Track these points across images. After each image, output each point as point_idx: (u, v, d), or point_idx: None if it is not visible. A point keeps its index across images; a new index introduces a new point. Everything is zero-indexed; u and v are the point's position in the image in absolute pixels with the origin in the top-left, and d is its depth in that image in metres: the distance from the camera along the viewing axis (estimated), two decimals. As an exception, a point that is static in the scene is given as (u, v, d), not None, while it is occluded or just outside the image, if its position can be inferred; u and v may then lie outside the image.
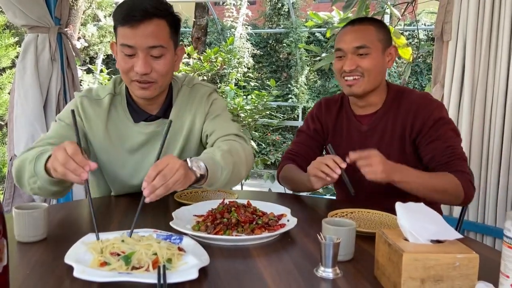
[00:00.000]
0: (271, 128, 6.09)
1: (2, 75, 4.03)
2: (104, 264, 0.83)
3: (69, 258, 0.85)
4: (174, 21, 1.35)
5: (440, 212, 1.63)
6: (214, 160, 1.23)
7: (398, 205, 0.88)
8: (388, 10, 3.16)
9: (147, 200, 1.01)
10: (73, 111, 1.13)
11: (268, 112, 4.77)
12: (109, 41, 5.59)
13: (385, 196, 1.34)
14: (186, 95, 1.50)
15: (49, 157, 1.13)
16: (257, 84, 7.03)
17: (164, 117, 1.46)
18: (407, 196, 1.24)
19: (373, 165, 1.25)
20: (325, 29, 4.98)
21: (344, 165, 1.28)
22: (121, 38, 1.29)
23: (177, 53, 1.41)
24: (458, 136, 1.50)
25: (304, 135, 1.72)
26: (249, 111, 4.58)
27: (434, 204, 1.53)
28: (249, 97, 4.93)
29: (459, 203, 1.42)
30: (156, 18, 1.28)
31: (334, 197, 1.99)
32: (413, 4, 3.08)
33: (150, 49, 1.29)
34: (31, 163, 1.18)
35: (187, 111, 1.48)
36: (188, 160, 1.15)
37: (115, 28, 1.32)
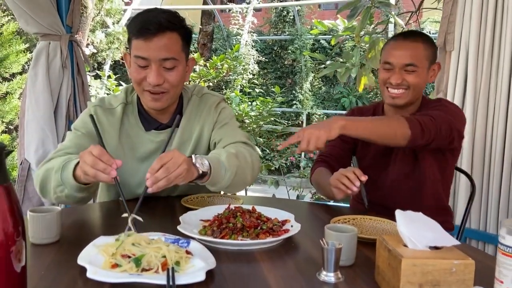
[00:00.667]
0: (275, 134, 6.12)
1: (12, 80, 4.10)
2: (115, 265, 0.87)
3: (82, 259, 0.89)
4: (186, 34, 1.39)
5: (451, 225, 1.67)
6: (218, 160, 1.27)
7: (398, 213, 0.91)
8: (392, 19, 3.20)
9: (149, 190, 1.08)
10: (91, 116, 1.19)
11: (272, 119, 4.80)
12: (117, 47, 5.66)
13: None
14: (195, 105, 1.54)
15: (77, 164, 1.19)
16: (262, 91, 7.07)
17: (175, 125, 1.49)
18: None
19: (307, 134, 1.29)
20: (330, 36, 5.02)
21: (364, 178, 1.31)
22: (135, 50, 1.34)
23: (188, 64, 1.45)
24: (440, 114, 1.48)
25: (337, 139, 1.73)
26: (254, 117, 4.62)
27: (444, 219, 1.57)
28: (254, 103, 4.97)
29: (407, 140, 1.38)
30: (169, 31, 1.32)
31: (337, 204, 2.03)
32: (418, 13, 3.12)
33: (163, 61, 1.33)
34: (57, 173, 1.23)
35: (196, 120, 1.53)
36: (193, 156, 1.20)
37: (129, 39, 1.37)
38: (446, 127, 1.43)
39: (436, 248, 0.86)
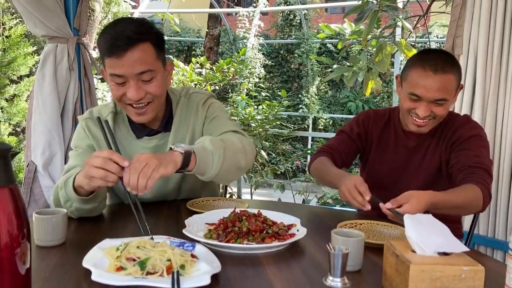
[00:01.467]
0: (281, 138, 6.10)
1: (20, 83, 4.13)
2: (120, 268, 0.87)
3: (87, 262, 0.88)
4: (158, 40, 1.33)
5: (460, 233, 1.66)
6: (202, 145, 1.23)
7: (407, 218, 0.90)
8: (399, 23, 3.19)
9: (135, 192, 1.07)
10: (98, 118, 1.19)
11: (278, 122, 4.79)
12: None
13: None
14: (184, 106, 1.52)
15: (75, 179, 1.20)
16: (268, 94, 7.07)
17: (165, 130, 1.48)
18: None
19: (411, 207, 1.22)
20: (337, 40, 5.02)
21: (368, 208, 1.27)
22: (109, 68, 1.29)
23: (167, 69, 1.41)
24: (488, 155, 1.51)
25: (345, 136, 1.71)
26: (259, 121, 4.61)
27: (454, 226, 1.56)
28: (260, 107, 4.96)
29: (475, 212, 1.48)
30: (140, 43, 1.26)
31: (343, 208, 2.02)
32: (425, 17, 3.10)
33: (140, 75, 1.28)
34: (61, 189, 1.23)
35: (187, 121, 1.51)
36: (171, 146, 1.18)
37: (102, 57, 1.31)
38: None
39: (445, 254, 0.84)
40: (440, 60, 1.44)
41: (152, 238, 1.01)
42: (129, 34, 1.24)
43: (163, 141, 1.48)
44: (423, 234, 0.85)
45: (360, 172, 1.81)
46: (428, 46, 7.56)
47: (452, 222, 1.58)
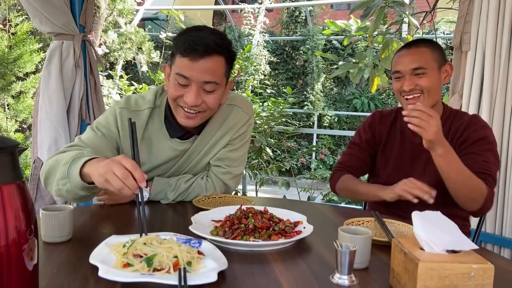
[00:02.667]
0: (286, 135, 6.09)
1: (26, 80, 4.14)
2: (127, 265, 0.86)
3: (94, 258, 0.88)
4: (231, 58, 1.38)
5: (468, 230, 1.66)
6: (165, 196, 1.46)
7: (415, 215, 0.89)
8: (406, 19, 3.16)
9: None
10: (130, 119, 1.15)
11: (284, 119, 4.78)
12: (129, 48, 5.69)
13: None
14: (223, 113, 1.52)
15: (86, 162, 1.16)
16: (273, 91, 7.06)
17: (198, 133, 1.49)
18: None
19: (430, 125, 1.30)
20: (342, 37, 4.99)
21: (431, 201, 1.31)
22: (178, 68, 1.31)
23: (227, 87, 1.44)
24: (496, 161, 1.52)
25: (356, 148, 1.76)
26: (265, 118, 4.60)
27: (462, 223, 1.56)
28: (265, 104, 4.95)
29: (476, 209, 1.45)
30: (216, 54, 1.30)
31: (349, 206, 2.02)
32: (432, 13, 3.07)
33: (204, 84, 1.32)
34: (65, 165, 1.20)
35: (220, 128, 1.51)
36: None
37: (173, 54, 1.34)
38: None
39: (453, 252, 0.84)
40: (413, 41, 1.63)
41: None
42: (209, 42, 1.28)
43: (192, 146, 1.49)
44: (431, 232, 0.84)
45: (368, 173, 1.81)
46: (435, 42, 7.52)
47: (460, 219, 1.58)
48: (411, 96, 1.56)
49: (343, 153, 1.80)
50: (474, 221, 2.15)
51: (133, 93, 5.05)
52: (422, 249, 0.84)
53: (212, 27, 1.41)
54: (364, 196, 1.62)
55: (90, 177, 1.15)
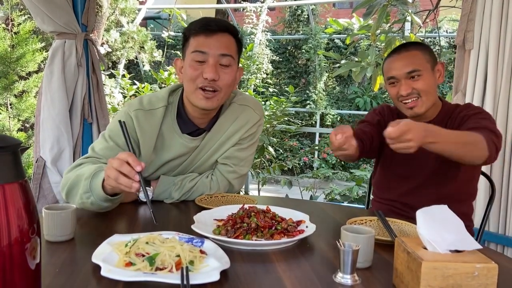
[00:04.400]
0: (288, 134, 6.10)
1: (29, 79, 4.15)
2: (129, 264, 0.86)
3: (96, 257, 0.88)
4: (239, 44, 1.45)
5: (471, 231, 1.64)
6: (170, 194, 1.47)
7: (419, 213, 0.89)
8: (409, 18, 3.15)
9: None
10: (120, 121, 1.19)
11: (286, 118, 4.78)
12: (131, 47, 5.69)
13: None
14: (234, 112, 1.53)
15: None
16: (276, 90, 7.06)
17: (209, 130, 1.50)
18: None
19: (408, 142, 1.19)
20: (345, 35, 4.98)
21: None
22: (194, 46, 1.37)
23: (238, 72, 1.47)
24: (494, 125, 1.47)
25: (366, 124, 1.72)
26: (267, 117, 4.60)
27: (466, 222, 1.55)
28: (267, 103, 4.95)
29: (483, 160, 1.38)
30: (228, 32, 1.40)
31: (352, 205, 2.01)
32: (435, 11, 3.06)
33: (221, 57, 1.37)
34: (87, 180, 1.23)
35: (231, 126, 1.52)
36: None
37: (187, 39, 1.41)
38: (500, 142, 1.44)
39: (457, 251, 0.83)
40: (403, 45, 1.61)
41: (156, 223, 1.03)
42: (221, 22, 1.40)
43: (201, 143, 1.51)
44: (435, 231, 0.84)
45: (374, 167, 1.80)
46: (438, 40, 7.50)
47: (462, 219, 1.57)
48: (409, 100, 1.55)
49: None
50: (477, 221, 2.15)
51: (135, 92, 5.05)
52: (425, 248, 0.84)
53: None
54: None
55: (107, 187, 1.19)
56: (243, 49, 6.32)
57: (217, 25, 1.37)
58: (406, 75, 1.53)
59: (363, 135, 1.63)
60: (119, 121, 1.19)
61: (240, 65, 1.51)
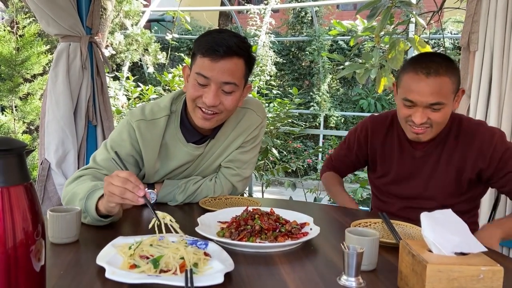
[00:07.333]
0: (292, 136, 6.09)
1: (33, 81, 4.17)
2: (133, 266, 0.87)
3: (101, 259, 0.89)
4: (250, 61, 1.39)
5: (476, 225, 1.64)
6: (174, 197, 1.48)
7: (424, 216, 0.89)
8: (413, 19, 3.14)
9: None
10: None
11: (290, 120, 4.77)
12: (135, 49, 5.71)
13: None
14: (236, 116, 1.52)
15: (101, 197, 1.16)
16: (279, 92, 7.05)
17: (213, 136, 1.50)
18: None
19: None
20: (349, 37, 4.97)
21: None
22: (198, 67, 1.32)
23: (244, 91, 1.44)
24: None
25: (346, 151, 1.79)
26: (271, 119, 4.60)
27: (471, 226, 1.55)
28: (271, 105, 4.95)
29: None
30: (236, 56, 1.32)
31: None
32: (439, 13, 3.05)
33: (223, 84, 1.33)
34: (81, 200, 1.20)
35: (233, 131, 1.52)
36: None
37: (193, 55, 1.36)
38: None
39: (462, 253, 0.83)
40: (433, 63, 1.37)
41: (158, 220, 1.02)
42: (230, 44, 1.30)
43: (206, 149, 1.50)
44: (440, 234, 0.83)
45: (369, 179, 1.77)
46: (442, 42, 7.47)
47: (468, 223, 1.56)
48: (419, 129, 1.42)
49: (336, 148, 1.86)
50: (482, 222, 2.13)
51: (140, 94, 5.07)
52: (430, 251, 0.84)
53: (233, 30, 1.42)
54: (332, 197, 1.77)
55: (103, 211, 1.16)
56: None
57: (225, 49, 1.29)
58: (427, 105, 1.38)
59: (340, 169, 1.84)
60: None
61: (249, 82, 1.47)
